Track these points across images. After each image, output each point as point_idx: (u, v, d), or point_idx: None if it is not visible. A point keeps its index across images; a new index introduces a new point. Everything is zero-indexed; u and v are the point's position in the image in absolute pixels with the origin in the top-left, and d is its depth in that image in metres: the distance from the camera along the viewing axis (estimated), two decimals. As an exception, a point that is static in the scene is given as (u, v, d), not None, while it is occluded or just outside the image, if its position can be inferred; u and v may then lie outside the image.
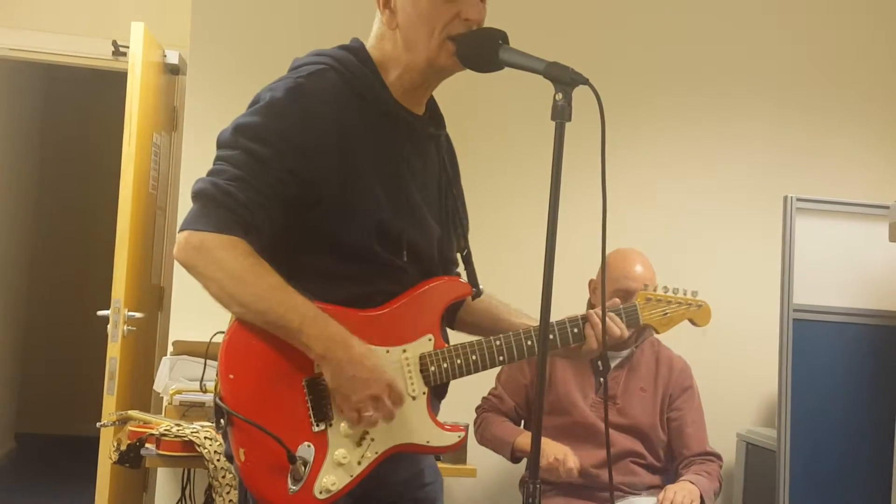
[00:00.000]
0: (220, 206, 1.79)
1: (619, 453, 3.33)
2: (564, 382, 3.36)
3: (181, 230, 1.82)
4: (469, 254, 2.18)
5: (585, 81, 1.77)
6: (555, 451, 3.17)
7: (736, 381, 4.14)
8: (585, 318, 2.11)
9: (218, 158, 1.86)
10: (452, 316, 2.18)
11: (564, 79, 1.77)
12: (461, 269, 2.20)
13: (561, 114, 1.76)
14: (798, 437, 3.40)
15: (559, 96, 1.76)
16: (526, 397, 3.43)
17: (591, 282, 3.42)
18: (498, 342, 2.02)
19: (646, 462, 3.38)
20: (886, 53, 4.56)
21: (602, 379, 3.35)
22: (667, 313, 2.29)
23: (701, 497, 3.19)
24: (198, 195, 1.82)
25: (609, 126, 1.77)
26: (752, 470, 4.03)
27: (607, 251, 1.96)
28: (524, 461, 3.26)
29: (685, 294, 2.33)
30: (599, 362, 3.35)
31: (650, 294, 2.27)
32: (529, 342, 2.04)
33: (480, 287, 2.13)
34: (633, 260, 3.33)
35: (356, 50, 1.99)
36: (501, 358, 2.03)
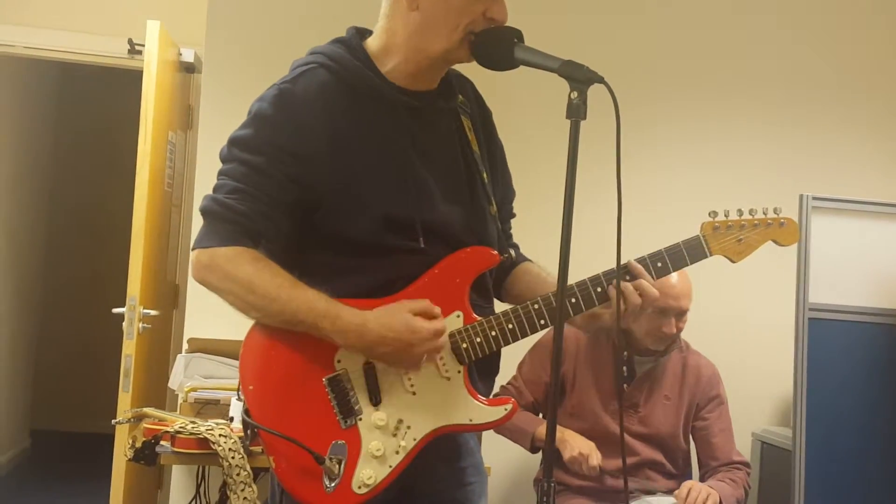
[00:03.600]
0: (223, 220, 1.83)
1: (638, 463, 3.31)
2: (587, 388, 3.33)
3: (192, 249, 1.87)
4: (506, 218, 2.15)
5: (601, 80, 1.77)
6: (580, 445, 3.16)
7: (751, 381, 4.13)
8: (611, 276, 1.95)
9: (219, 174, 1.90)
10: (497, 287, 2.12)
11: (579, 77, 1.76)
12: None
13: (576, 112, 1.75)
14: (813, 436, 3.38)
15: (574, 94, 1.75)
16: (546, 395, 3.39)
17: None
18: (536, 305, 1.94)
19: (664, 470, 3.36)
20: (901, 52, 4.55)
21: (624, 385, 3.33)
22: (741, 239, 2.04)
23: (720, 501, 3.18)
24: (203, 213, 1.87)
25: (623, 126, 1.76)
26: (767, 469, 4.02)
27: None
28: (541, 453, 3.25)
29: (764, 214, 2.06)
30: (624, 367, 3.33)
31: (718, 221, 2.04)
32: (573, 299, 1.94)
33: (511, 252, 2.09)
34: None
35: (348, 41, 1.99)
36: (542, 322, 1.94)
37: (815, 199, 3.44)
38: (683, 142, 4.38)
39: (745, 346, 4.22)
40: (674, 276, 3.16)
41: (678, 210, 4.28)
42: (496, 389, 2.04)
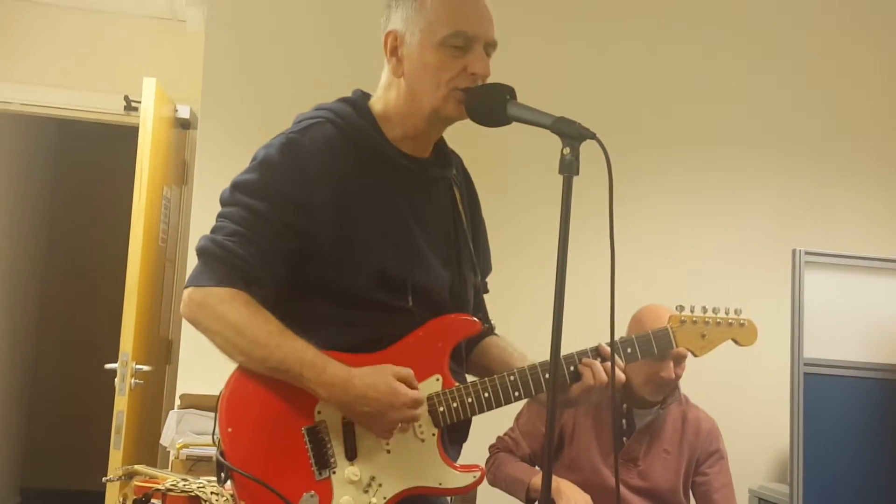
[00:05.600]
0: (220, 261, 1.84)
1: None
2: (586, 441, 3.29)
3: (185, 287, 1.88)
4: (481, 291, 2.16)
5: (593, 136, 1.78)
6: (576, 499, 3.12)
7: (748, 436, 4.10)
8: (583, 355, 2.02)
9: (219, 216, 1.91)
10: (468, 355, 2.14)
11: (572, 133, 1.77)
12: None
13: (569, 168, 1.76)
14: (810, 492, 3.36)
15: (567, 150, 1.76)
16: (543, 446, 3.36)
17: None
18: (512, 377, 1.98)
19: (663, 526, 3.32)
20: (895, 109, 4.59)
21: (624, 438, 3.30)
22: (705, 335, 2.16)
23: None
24: (200, 252, 1.88)
25: (617, 180, 1.77)
26: (764, 526, 3.99)
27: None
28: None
29: (725, 313, 2.18)
30: (623, 420, 3.31)
31: (684, 315, 2.14)
32: (546, 375, 1.97)
33: (492, 323, 2.13)
34: (665, 318, 3.24)
35: (354, 101, 2.03)
36: (517, 393, 1.98)
37: (807, 253, 3.45)
38: (677, 195, 4.40)
39: (742, 401, 4.20)
40: None
41: (671, 263, 4.30)
42: (465, 457, 2.04)
